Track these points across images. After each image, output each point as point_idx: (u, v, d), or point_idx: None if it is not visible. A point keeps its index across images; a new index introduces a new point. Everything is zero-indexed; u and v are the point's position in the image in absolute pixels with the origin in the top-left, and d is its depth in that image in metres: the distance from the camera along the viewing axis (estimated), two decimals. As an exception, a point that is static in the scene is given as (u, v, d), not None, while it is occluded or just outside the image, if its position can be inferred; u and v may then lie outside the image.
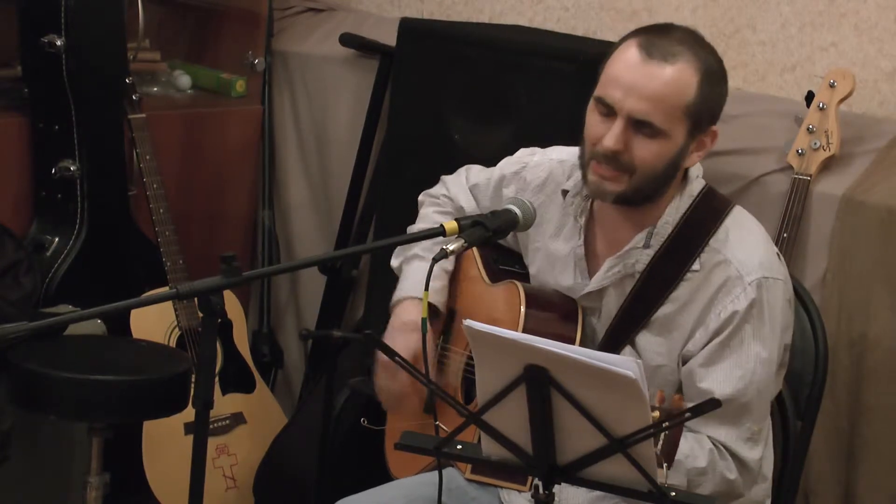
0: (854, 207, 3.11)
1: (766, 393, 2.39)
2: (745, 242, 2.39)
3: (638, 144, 2.31)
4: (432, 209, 2.76)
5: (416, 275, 2.64)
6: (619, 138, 2.30)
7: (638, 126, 2.30)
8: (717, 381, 2.34)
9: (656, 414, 1.92)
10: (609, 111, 2.32)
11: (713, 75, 2.34)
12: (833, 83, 3.16)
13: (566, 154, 2.55)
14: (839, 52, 3.38)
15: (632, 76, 2.30)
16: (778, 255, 2.43)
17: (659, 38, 2.33)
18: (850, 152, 3.20)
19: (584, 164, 2.39)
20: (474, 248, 2.61)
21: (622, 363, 1.87)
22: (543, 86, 3.22)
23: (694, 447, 2.32)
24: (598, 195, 2.40)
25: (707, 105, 2.34)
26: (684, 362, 2.39)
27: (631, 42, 2.34)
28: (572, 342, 2.45)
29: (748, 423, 2.35)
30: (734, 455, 2.35)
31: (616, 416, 1.90)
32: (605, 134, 2.31)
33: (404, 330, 2.59)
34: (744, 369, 2.34)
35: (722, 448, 2.35)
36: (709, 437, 2.34)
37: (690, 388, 2.37)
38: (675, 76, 2.29)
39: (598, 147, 2.33)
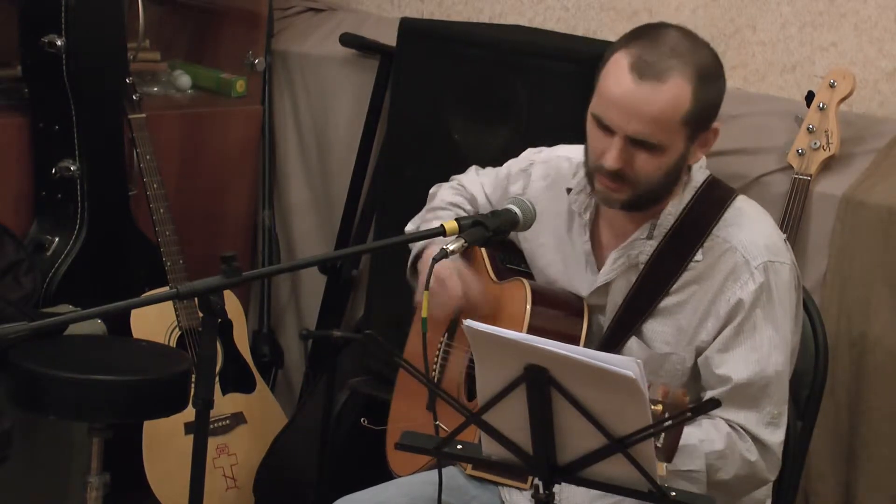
0: (854, 207, 3.11)
1: (784, 375, 2.40)
2: (749, 228, 2.41)
3: (639, 159, 2.33)
4: (448, 192, 2.76)
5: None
6: (619, 157, 2.32)
7: (637, 143, 2.31)
8: (734, 365, 2.36)
9: (659, 408, 1.91)
10: (608, 129, 2.33)
11: (708, 77, 2.33)
12: (833, 83, 3.16)
13: (573, 151, 2.56)
14: (839, 52, 3.38)
15: (628, 100, 2.29)
16: (784, 240, 2.44)
17: (650, 50, 2.30)
18: (850, 152, 3.20)
19: (589, 171, 2.41)
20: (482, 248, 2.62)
21: (622, 363, 1.88)
22: (543, 86, 3.22)
23: (710, 431, 2.34)
24: (607, 203, 2.42)
25: (705, 107, 2.33)
26: (699, 353, 2.40)
27: (622, 56, 2.32)
28: (577, 340, 2.46)
29: (768, 407, 2.37)
30: (755, 438, 2.36)
31: (616, 415, 1.90)
32: (606, 150, 2.33)
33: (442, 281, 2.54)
34: (759, 353, 2.36)
35: (741, 429, 2.36)
36: (727, 420, 2.35)
37: (709, 375, 2.39)
38: (671, 95, 2.29)
39: (601, 163, 2.35)
